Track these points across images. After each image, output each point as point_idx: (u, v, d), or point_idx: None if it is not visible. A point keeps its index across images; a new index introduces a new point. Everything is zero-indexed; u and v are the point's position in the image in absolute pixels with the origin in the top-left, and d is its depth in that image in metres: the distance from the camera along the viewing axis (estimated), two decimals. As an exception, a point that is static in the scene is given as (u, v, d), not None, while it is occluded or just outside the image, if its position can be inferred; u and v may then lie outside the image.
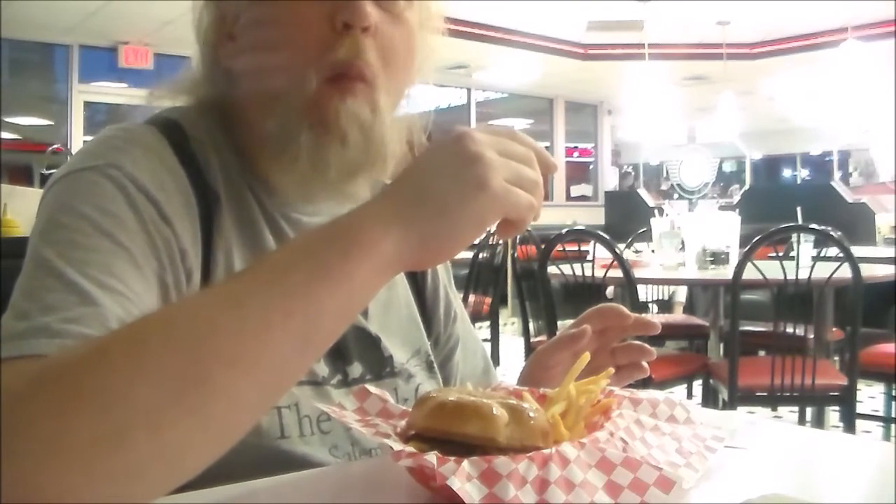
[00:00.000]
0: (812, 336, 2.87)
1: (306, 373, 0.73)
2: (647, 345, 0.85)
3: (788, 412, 3.65)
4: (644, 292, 4.11)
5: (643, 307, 4.42)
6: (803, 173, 15.34)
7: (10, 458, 0.43)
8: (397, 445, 0.53)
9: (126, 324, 0.53)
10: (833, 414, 3.07)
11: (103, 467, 0.44)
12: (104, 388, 0.45)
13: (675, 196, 11.19)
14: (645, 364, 0.85)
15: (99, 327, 0.57)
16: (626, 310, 0.86)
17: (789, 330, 2.67)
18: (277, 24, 0.73)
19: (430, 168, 0.56)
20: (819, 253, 2.85)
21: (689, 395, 3.78)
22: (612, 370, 0.66)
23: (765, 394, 2.71)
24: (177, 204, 0.69)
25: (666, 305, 4.65)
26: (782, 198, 6.88)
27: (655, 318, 0.95)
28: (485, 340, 4.84)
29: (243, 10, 0.76)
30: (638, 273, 3.05)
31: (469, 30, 7.66)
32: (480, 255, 4.56)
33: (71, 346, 0.54)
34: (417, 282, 0.92)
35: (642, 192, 10.00)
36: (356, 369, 0.80)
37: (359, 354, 0.81)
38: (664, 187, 12.91)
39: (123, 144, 0.70)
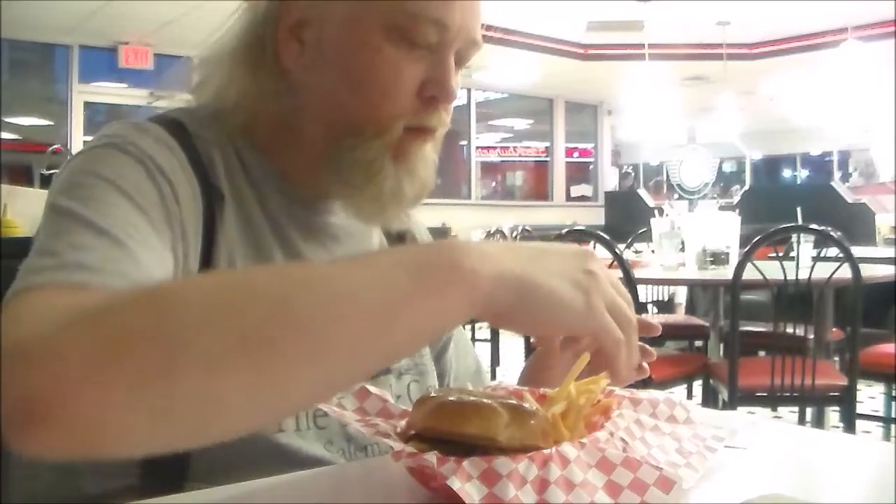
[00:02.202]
0: (812, 336, 2.86)
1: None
2: (647, 346, 0.85)
3: (788, 412, 3.65)
4: (644, 294, 4.11)
5: (641, 308, 4.42)
6: (803, 173, 15.34)
7: (54, 376, 0.43)
8: (397, 445, 0.53)
9: (200, 274, 0.53)
10: (833, 414, 3.07)
11: (146, 396, 0.44)
12: (171, 325, 0.45)
13: (675, 196, 11.19)
14: (645, 365, 0.85)
15: (135, 270, 0.58)
16: None
17: (789, 330, 2.67)
18: (370, 72, 0.74)
19: (553, 255, 0.58)
20: (819, 253, 2.85)
21: (689, 396, 3.78)
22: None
23: (765, 394, 2.70)
24: (186, 193, 0.71)
25: (666, 306, 4.64)
26: (782, 198, 6.88)
27: (655, 318, 0.95)
28: (485, 340, 4.87)
29: (322, 20, 0.75)
30: (638, 273, 3.05)
31: (469, 30, 7.64)
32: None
33: (118, 283, 0.54)
34: None
35: (642, 192, 10.00)
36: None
37: None
38: (664, 189, 12.92)
39: (137, 131, 0.72)
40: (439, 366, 0.93)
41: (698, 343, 3.67)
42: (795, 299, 2.66)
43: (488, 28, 0.80)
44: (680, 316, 4.17)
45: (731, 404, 2.68)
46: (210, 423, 0.47)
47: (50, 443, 0.44)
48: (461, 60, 0.78)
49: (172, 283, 0.53)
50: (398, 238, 0.94)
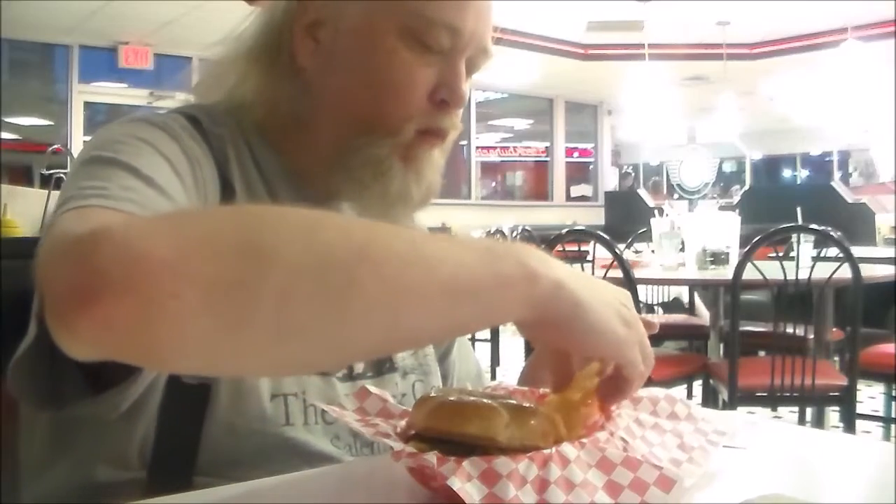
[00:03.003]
0: (812, 336, 2.86)
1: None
2: None
3: (788, 412, 3.65)
4: (645, 295, 4.12)
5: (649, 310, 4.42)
6: (803, 173, 15.34)
7: (130, 253, 0.42)
8: (398, 445, 0.53)
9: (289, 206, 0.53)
10: (833, 414, 3.07)
11: (220, 302, 0.43)
12: (256, 238, 0.45)
13: (676, 196, 11.19)
14: None
15: None
16: None
17: (789, 330, 2.66)
18: (383, 73, 0.75)
19: (601, 284, 0.60)
20: (819, 253, 2.85)
21: (689, 396, 3.78)
22: (597, 365, 0.66)
23: (765, 394, 2.70)
24: (210, 176, 0.72)
25: (671, 307, 4.64)
26: (782, 198, 6.88)
27: (655, 318, 0.95)
28: (485, 340, 4.86)
29: (338, 21, 0.76)
30: (638, 273, 3.05)
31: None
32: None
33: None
34: None
35: (642, 192, 10.00)
36: (360, 364, 0.81)
37: (367, 361, 0.82)
38: (663, 189, 12.92)
39: (164, 117, 0.73)
40: (443, 367, 0.94)
41: (698, 343, 3.67)
42: (795, 299, 2.66)
43: (495, 30, 0.80)
44: (680, 316, 4.17)
45: (731, 404, 2.68)
46: (274, 348, 0.46)
47: (104, 331, 0.42)
48: (472, 68, 0.79)
49: (262, 206, 0.52)
50: None
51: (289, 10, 0.78)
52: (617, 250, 2.91)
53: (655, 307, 4.37)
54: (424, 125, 0.76)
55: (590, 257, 3.25)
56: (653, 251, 3.60)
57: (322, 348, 0.49)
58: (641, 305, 4.48)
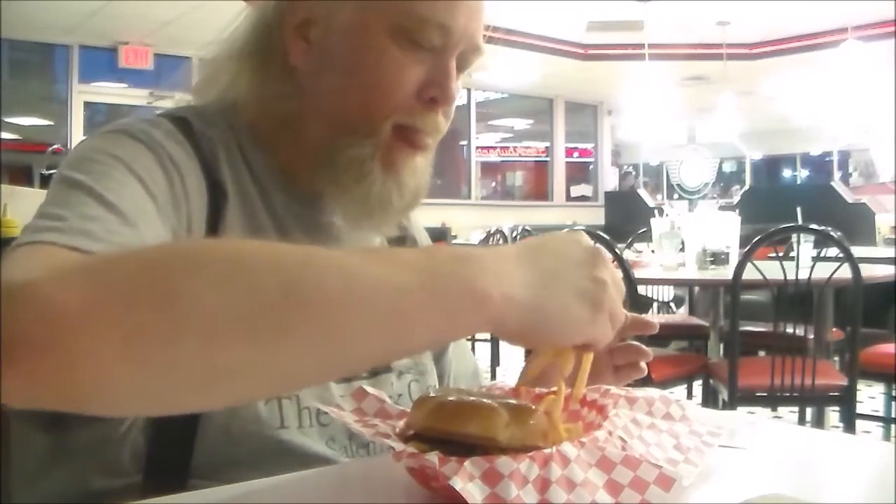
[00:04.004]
0: (812, 336, 2.86)
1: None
2: (644, 346, 0.86)
3: (788, 412, 3.65)
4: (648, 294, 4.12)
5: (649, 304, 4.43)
6: (803, 173, 15.34)
7: (48, 315, 0.42)
8: (398, 446, 0.53)
9: (221, 239, 0.52)
10: (833, 414, 3.07)
11: (141, 352, 0.43)
12: (179, 283, 0.44)
13: (675, 196, 11.19)
14: (643, 365, 0.86)
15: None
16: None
17: (789, 330, 2.66)
18: (373, 70, 0.75)
19: (565, 267, 0.57)
20: (819, 253, 2.85)
21: (689, 396, 3.78)
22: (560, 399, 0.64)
23: (765, 394, 2.70)
24: (194, 185, 0.72)
25: (670, 307, 4.66)
26: (782, 198, 6.87)
27: (654, 318, 0.95)
28: (485, 341, 4.86)
29: (328, 20, 0.76)
30: (638, 273, 3.05)
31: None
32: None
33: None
34: None
35: (642, 192, 10.00)
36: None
37: None
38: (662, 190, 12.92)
39: (147, 124, 0.73)
40: (439, 366, 0.94)
41: (698, 343, 3.67)
42: (795, 299, 2.66)
43: (487, 28, 0.80)
44: (680, 316, 4.17)
45: (731, 404, 2.68)
46: (203, 390, 0.46)
47: (31, 386, 0.42)
48: (463, 65, 0.79)
49: (189, 242, 0.52)
50: (398, 238, 0.94)
51: (279, 9, 0.78)
52: (617, 250, 2.91)
53: (670, 304, 4.37)
54: (404, 122, 0.76)
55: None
56: (653, 251, 3.60)
57: (257, 386, 0.48)
58: (655, 303, 4.52)
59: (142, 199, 0.64)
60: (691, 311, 4.15)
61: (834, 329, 3.18)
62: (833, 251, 2.76)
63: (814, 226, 2.78)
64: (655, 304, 4.65)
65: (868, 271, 2.86)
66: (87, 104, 8.36)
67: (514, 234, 4.54)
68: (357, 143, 0.75)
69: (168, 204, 0.67)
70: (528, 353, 0.90)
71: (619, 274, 0.61)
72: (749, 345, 3.12)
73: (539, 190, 12.42)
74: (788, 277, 2.61)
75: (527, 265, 0.55)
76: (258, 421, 0.70)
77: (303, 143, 0.79)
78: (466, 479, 0.48)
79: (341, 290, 0.47)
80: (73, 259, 0.46)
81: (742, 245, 3.06)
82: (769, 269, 2.64)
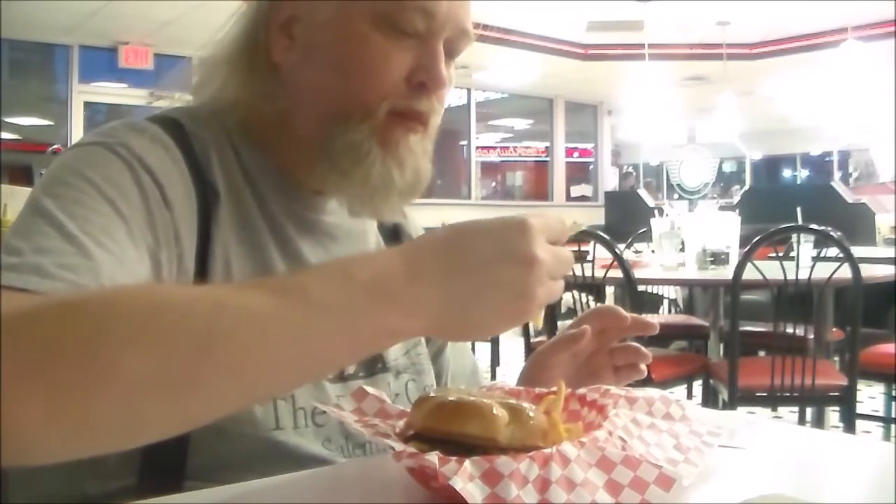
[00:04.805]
0: (812, 336, 2.86)
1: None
2: (643, 347, 0.86)
3: (788, 412, 3.65)
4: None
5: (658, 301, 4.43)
6: (803, 173, 15.33)
7: None
8: (398, 446, 0.53)
9: (138, 285, 0.54)
10: (833, 414, 3.07)
11: (62, 412, 0.44)
12: (95, 341, 0.45)
13: (675, 196, 11.19)
14: (642, 366, 0.86)
15: (92, 280, 0.58)
16: (622, 311, 0.86)
17: (789, 330, 2.66)
18: (357, 59, 0.75)
19: (490, 262, 0.54)
20: (819, 253, 2.85)
21: (689, 396, 3.78)
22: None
23: (765, 394, 2.70)
24: (179, 192, 0.71)
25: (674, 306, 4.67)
26: (782, 198, 6.87)
27: (654, 318, 0.95)
28: (484, 340, 4.85)
29: (311, 15, 0.77)
30: (638, 273, 3.05)
31: (469, 30, 7.64)
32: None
33: (65, 290, 0.55)
34: None
35: (642, 192, 10.00)
36: (351, 366, 0.81)
37: None
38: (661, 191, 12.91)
39: (131, 132, 0.72)
40: (436, 365, 0.94)
41: (698, 343, 3.67)
42: (795, 299, 2.66)
43: (477, 26, 0.80)
44: (680, 316, 4.17)
45: (731, 404, 2.68)
46: (124, 439, 0.49)
47: None
48: (452, 51, 0.78)
49: (103, 293, 0.51)
50: (394, 236, 0.94)
51: (265, 9, 0.78)
52: (617, 250, 2.91)
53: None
54: (399, 106, 0.75)
55: (590, 257, 3.25)
56: (653, 251, 3.60)
57: (176, 430, 0.50)
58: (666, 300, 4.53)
59: (110, 224, 0.63)
60: (691, 311, 4.15)
61: (834, 329, 3.18)
62: (833, 251, 2.76)
63: (814, 226, 2.78)
64: (666, 301, 4.66)
65: (868, 271, 2.86)
66: (87, 104, 8.35)
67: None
68: (353, 128, 0.75)
69: (142, 223, 0.66)
70: (528, 353, 0.90)
71: (563, 238, 0.59)
72: (749, 345, 3.12)
73: (539, 190, 12.42)
74: (788, 277, 2.61)
75: (442, 273, 0.54)
76: (253, 422, 0.70)
77: (296, 140, 0.79)
78: (466, 479, 0.48)
79: (251, 340, 0.49)
80: (8, 312, 0.46)
81: (742, 245, 3.06)
82: (769, 269, 2.64)
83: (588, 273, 2.99)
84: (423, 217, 0.99)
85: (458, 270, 0.54)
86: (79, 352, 0.45)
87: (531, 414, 0.56)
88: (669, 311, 4.67)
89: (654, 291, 4.56)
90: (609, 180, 12.60)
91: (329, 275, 0.54)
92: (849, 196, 7.53)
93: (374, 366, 0.83)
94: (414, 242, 0.63)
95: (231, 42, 0.80)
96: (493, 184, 13.23)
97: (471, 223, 0.57)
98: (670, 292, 4.63)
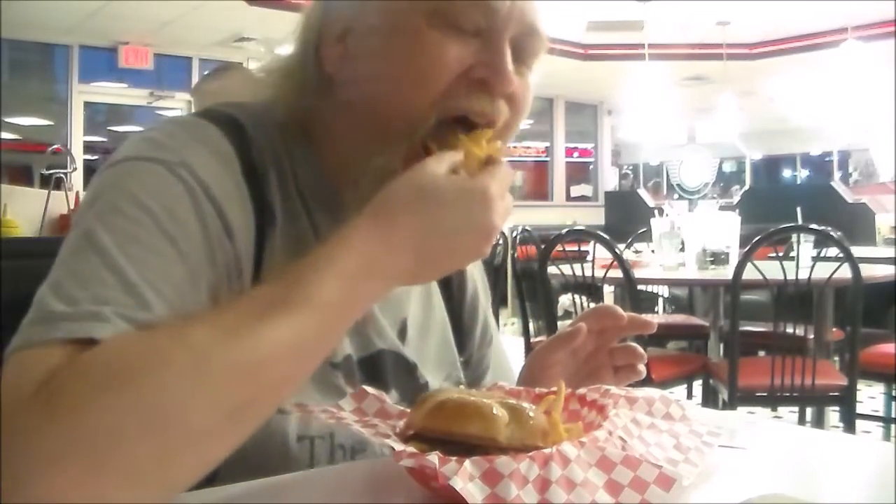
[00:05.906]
0: (812, 336, 2.86)
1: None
2: (639, 347, 0.86)
3: (788, 412, 3.65)
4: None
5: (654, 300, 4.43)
6: (803, 173, 15.33)
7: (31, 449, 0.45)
8: (398, 446, 0.53)
9: (192, 334, 0.52)
10: (833, 414, 3.07)
11: (140, 477, 0.47)
12: (158, 399, 0.48)
13: (676, 196, 11.18)
14: (641, 368, 0.86)
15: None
16: (620, 310, 0.86)
17: (789, 330, 2.67)
18: (408, 54, 0.69)
19: (454, 224, 0.64)
20: (819, 253, 2.85)
21: (689, 395, 3.78)
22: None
23: (765, 394, 2.71)
24: (239, 217, 0.67)
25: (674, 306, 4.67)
26: (782, 198, 6.88)
27: (652, 317, 0.95)
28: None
29: (365, 22, 0.72)
30: (638, 273, 3.05)
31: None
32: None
33: (125, 339, 0.53)
34: (454, 302, 0.92)
35: (642, 192, 10.00)
36: (392, 396, 0.76)
37: (395, 381, 0.79)
38: (663, 191, 12.91)
39: (192, 142, 0.67)
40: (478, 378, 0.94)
41: (698, 343, 3.67)
42: (795, 299, 2.66)
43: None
44: (680, 316, 4.17)
45: (731, 404, 2.68)
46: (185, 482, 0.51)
47: None
48: (522, 52, 0.72)
49: (162, 343, 0.51)
50: None
51: (317, 24, 0.75)
52: (617, 250, 2.91)
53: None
54: (454, 111, 0.69)
55: (590, 257, 3.25)
56: (653, 251, 3.60)
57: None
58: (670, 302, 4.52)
59: (171, 268, 0.59)
60: (691, 311, 4.16)
61: (834, 329, 3.18)
62: (833, 251, 2.76)
63: (814, 226, 2.78)
64: (661, 300, 4.67)
65: (868, 271, 2.87)
66: (88, 104, 8.35)
67: (514, 235, 4.54)
68: (388, 148, 0.69)
69: (203, 261, 0.62)
70: (528, 353, 0.90)
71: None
72: (749, 345, 3.12)
73: (539, 190, 12.42)
74: (788, 277, 2.61)
75: (413, 240, 0.62)
76: (286, 456, 0.69)
77: (342, 160, 0.74)
78: (466, 479, 0.48)
79: (286, 369, 0.55)
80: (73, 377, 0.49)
81: (742, 245, 3.06)
82: (769, 269, 2.64)
83: (588, 273, 2.99)
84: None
85: (428, 236, 0.63)
86: (142, 419, 0.47)
87: (531, 414, 0.56)
88: (665, 310, 4.68)
89: (650, 290, 4.57)
90: (609, 180, 12.60)
91: (325, 271, 0.58)
92: (849, 196, 7.55)
93: (416, 396, 0.79)
94: (385, 205, 0.62)
95: (287, 57, 0.76)
96: (493, 184, 13.21)
97: (434, 188, 0.63)
98: (665, 290, 4.63)
